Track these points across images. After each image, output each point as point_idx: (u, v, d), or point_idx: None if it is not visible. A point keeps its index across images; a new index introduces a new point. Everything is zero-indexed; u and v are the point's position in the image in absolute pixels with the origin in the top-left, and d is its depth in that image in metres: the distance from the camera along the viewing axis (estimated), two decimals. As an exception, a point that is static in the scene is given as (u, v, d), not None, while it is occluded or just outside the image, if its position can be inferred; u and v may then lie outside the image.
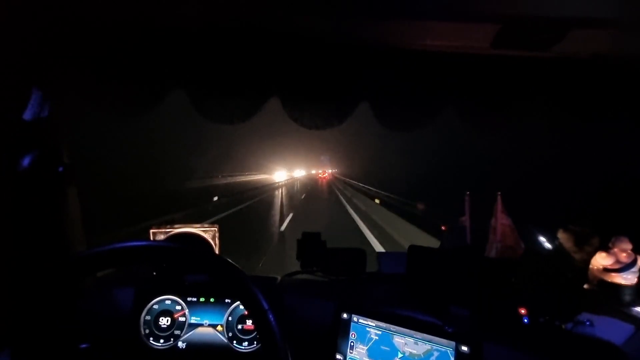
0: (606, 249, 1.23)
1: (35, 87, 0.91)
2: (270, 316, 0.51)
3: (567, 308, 0.96)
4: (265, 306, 0.51)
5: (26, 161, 0.83)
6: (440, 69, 1.05)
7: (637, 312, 1.08)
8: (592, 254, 1.27)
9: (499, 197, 1.49)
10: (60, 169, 0.92)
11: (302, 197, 20.70)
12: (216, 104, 1.14)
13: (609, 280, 1.19)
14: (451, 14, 0.85)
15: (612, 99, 1.06)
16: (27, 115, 0.89)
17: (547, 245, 1.56)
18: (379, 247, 6.65)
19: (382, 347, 0.81)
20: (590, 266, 1.25)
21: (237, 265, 0.56)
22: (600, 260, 1.22)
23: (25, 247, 0.84)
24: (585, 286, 1.25)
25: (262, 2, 0.84)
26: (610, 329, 0.90)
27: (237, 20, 0.93)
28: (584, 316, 0.91)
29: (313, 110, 1.11)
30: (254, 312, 0.52)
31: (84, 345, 0.87)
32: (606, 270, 1.20)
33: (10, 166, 0.81)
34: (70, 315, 0.92)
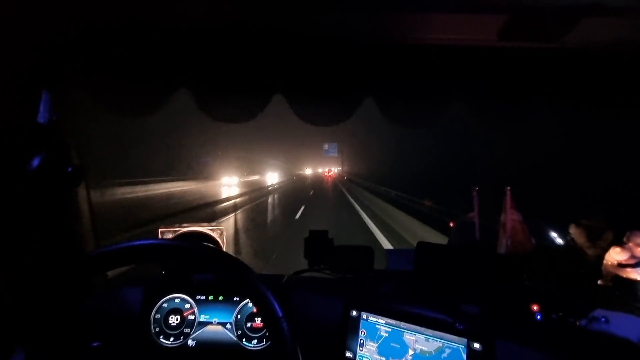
0: (620, 243, 1.20)
1: (44, 88, 0.92)
2: (284, 325, 0.50)
3: (580, 304, 0.94)
4: (280, 314, 0.51)
5: (35, 162, 0.84)
6: (447, 63, 1.03)
7: (654, 308, 1.05)
8: (605, 249, 1.24)
9: (508, 192, 1.46)
10: (69, 169, 0.93)
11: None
12: (221, 103, 1.14)
13: (624, 276, 1.16)
14: (457, 6, 0.84)
15: (624, 90, 1.03)
16: (36, 116, 0.90)
17: (559, 240, 1.53)
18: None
19: (393, 344, 0.81)
20: (604, 262, 1.22)
21: (248, 265, 0.56)
22: (615, 255, 1.19)
23: (35, 248, 0.85)
24: (599, 282, 1.22)
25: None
26: (626, 326, 0.87)
27: (240, 19, 0.93)
28: (599, 312, 0.89)
29: (318, 107, 1.10)
30: (267, 317, 0.51)
31: (95, 344, 0.88)
32: (621, 265, 1.18)
33: (19, 167, 0.82)
34: (82, 314, 0.93)
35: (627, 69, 1.00)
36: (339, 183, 35.39)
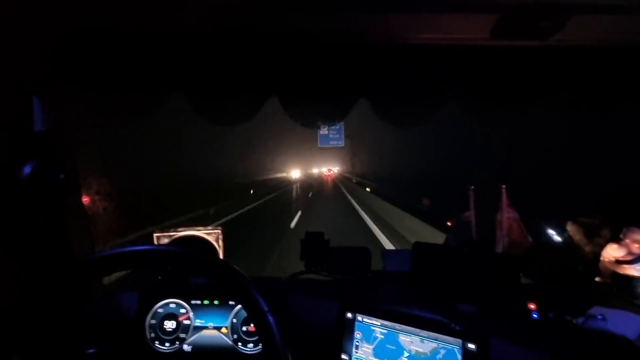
0: (617, 240, 1.20)
1: (36, 94, 0.91)
2: (270, 318, 0.50)
3: (578, 302, 0.94)
4: (265, 308, 0.51)
5: (28, 169, 0.83)
6: (440, 62, 1.03)
7: (652, 304, 1.05)
8: (602, 246, 1.24)
9: (503, 190, 1.47)
10: (62, 176, 0.93)
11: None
12: (215, 105, 1.14)
13: (621, 272, 1.16)
14: (448, 5, 0.84)
15: (618, 87, 1.03)
16: (28, 123, 0.90)
17: (556, 238, 1.53)
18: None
19: (388, 346, 0.80)
20: (601, 258, 1.22)
21: (237, 267, 0.56)
22: (612, 252, 1.19)
23: (30, 254, 0.85)
24: (597, 279, 1.22)
25: (258, 1, 0.84)
26: (623, 323, 0.87)
27: (233, 21, 0.93)
28: (596, 310, 0.89)
29: (312, 108, 1.10)
30: (253, 313, 0.52)
31: (91, 350, 0.88)
32: (618, 262, 1.17)
33: (12, 174, 0.82)
34: (77, 319, 0.93)
35: (619, 65, 1.00)
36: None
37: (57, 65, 0.97)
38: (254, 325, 0.52)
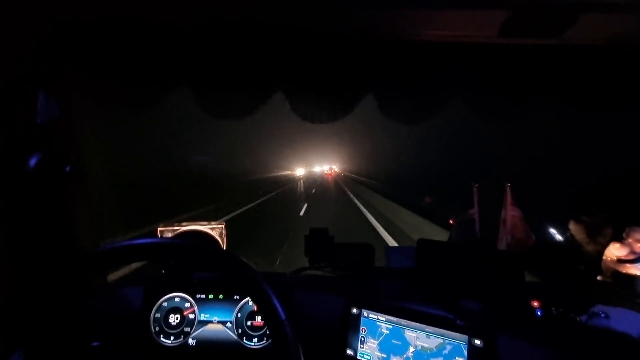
0: (620, 239, 1.21)
1: (42, 87, 0.91)
2: (288, 328, 0.50)
3: (580, 300, 0.94)
4: (283, 316, 0.50)
5: (33, 161, 0.83)
6: (447, 59, 1.03)
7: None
8: (605, 245, 1.25)
9: (508, 189, 1.47)
10: (68, 168, 0.92)
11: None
12: (219, 99, 1.13)
13: (623, 271, 1.16)
14: (457, 2, 0.83)
15: (625, 85, 1.03)
16: (34, 115, 0.89)
17: (559, 236, 1.54)
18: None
19: (394, 342, 0.81)
20: (604, 257, 1.23)
21: (251, 265, 0.55)
22: (614, 251, 1.20)
23: (34, 247, 0.85)
24: (599, 278, 1.23)
25: None
26: (625, 321, 0.88)
27: (239, 15, 0.92)
28: (599, 308, 0.89)
29: (317, 104, 1.09)
30: (270, 320, 0.51)
31: (95, 344, 0.88)
32: (620, 261, 1.18)
33: (17, 166, 0.82)
34: (81, 313, 0.93)
35: (627, 65, 1.00)
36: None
37: (63, 58, 0.96)
38: (270, 332, 0.51)
